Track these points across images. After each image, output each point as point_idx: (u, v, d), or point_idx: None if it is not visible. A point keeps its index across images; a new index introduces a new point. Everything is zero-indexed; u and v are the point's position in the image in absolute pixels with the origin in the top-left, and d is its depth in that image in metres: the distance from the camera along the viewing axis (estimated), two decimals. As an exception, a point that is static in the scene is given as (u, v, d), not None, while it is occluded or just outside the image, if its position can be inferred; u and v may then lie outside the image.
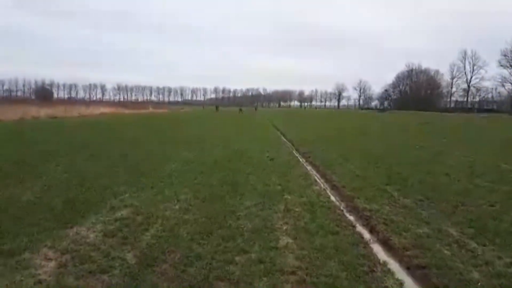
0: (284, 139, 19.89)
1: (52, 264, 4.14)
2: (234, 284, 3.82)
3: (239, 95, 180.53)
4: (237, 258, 4.39)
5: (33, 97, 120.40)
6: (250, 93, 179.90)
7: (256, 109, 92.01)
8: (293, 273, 4.07)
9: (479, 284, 3.84)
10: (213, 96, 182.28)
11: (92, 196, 6.81)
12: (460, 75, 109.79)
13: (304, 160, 12.46)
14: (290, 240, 5.00)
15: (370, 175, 9.47)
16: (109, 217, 5.66)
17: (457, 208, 6.46)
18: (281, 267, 4.19)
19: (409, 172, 9.79)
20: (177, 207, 6.28)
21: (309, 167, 11.10)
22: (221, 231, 5.17)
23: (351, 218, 6.21)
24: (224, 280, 3.87)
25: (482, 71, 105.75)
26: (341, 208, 6.76)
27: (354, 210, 6.61)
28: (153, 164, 10.47)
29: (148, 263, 4.18)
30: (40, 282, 3.73)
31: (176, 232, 5.10)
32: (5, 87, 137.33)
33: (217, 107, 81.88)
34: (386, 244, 5.02)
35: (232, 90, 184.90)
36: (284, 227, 5.51)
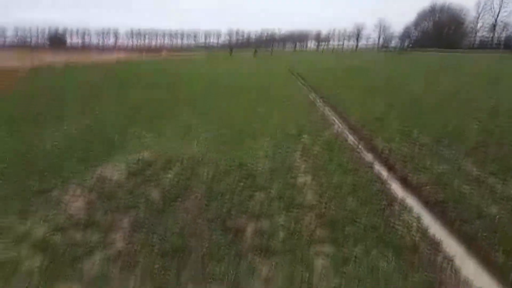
0: (301, 83, 19.55)
1: (80, 201, 4.35)
2: (255, 217, 3.96)
3: (253, 37, 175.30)
4: (257, 195, 4.51)
5: (47, 44, 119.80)
6: (265, 34, 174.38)
7: (271, 53, 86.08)
8: (312, 208, 4.18)
9: (497, 217, 3.87)
10: (227, 38, 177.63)
11: (115, 139, 6.96)
12: (487, 10, 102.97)
13: (321, 102, 12.31)
14: (309, 178, 5.07)
15: (390, 116, 9.32)
16: (132, 158, 5.81)
17: (478, 147, 6.37)
18: (300, 203, 4.30)
19: (429, 113, 9.60)
20: (196, 148, 6.38)
21: (326, 108, 10.98)
22: (240, 171, 5.27)
23: (370, 157, 6.21)
24: (245, 214, 4.01)
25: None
26: (360, 147, 6.75)
27: (372, 149, 6.60)
28: (171, 108, 10.51)
29: (172, 200, 4.33)
30: (70, 217, 3.95)
31: (197, 172, 5.22)
32: (19, 34, 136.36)
33: (231, 51, 79.82)
34: (404, 182, 5.05)
35: (246, 32, 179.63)
36: (303, 166, 5.58)
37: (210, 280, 2.95)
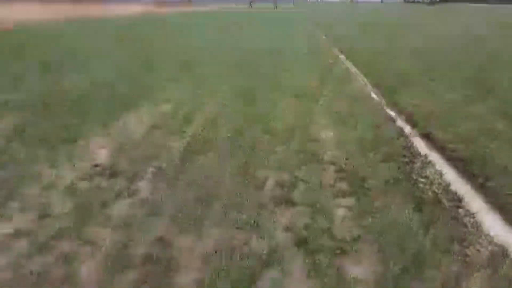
0: (323, 35, 18.98)
1: (105, 151, 4.46)
2: (274, 171, 3.99)
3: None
4: (276, 149, 4.52)
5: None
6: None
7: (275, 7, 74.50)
8: (332, 163, 4.18)
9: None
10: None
11: (137, 91, 7.01)
12: None
13: (344, 57, 11.98)
14: (330, 134, 5.04)
15: (414, 71, 9.03)
16: (153, 110, 5.87)
17: (508, 105, 6.14)
18: (320, 157, 4.30)
19: (456, 67, 9.24)
20: (217, 103, 6.36)
21: (349, 64, 10.70)
22: (259, 125, 5.26)
23: (392, 113, 6.09)
24: (265, 168, 4.04)
25: None
26: (383, 103, 6.62)
27: (395, 105, 6.45)
28: (192, 61, 10.43)
29: (193, 151, 4.39)
30: (96, 166, 4.07)
31: (217, 126, 5.24)
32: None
33: (250, 3, 76.81)
34: (428, 138, 4.96)
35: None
36: (323, 122, 5.53)
37: (233, 227, 3.03)
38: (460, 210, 3.29)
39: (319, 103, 6.42)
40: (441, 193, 3.53)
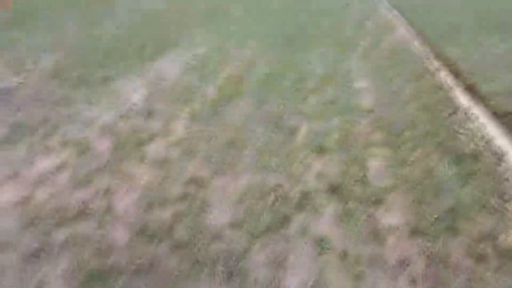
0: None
1: (140, 92, 4.50)
2: (308, 119, 3.92)
3: None
4: (310, 98, 4.42)
5: None
6: None
7: None
8: (368, 112, 4.05)
9: None
10: None
11: (168, 35, 6.92)
12: None
13: (386, 3, 11.29)
14: (366, 84, 4.85)
15: (464, 21, 8.41)
16: (187, 54, 5.80)
17: None
18: (355, 107, 4.17)
19: (507, 18, 8.54)
20: (249, 50, 6.21)
21: (394, 12, 10.09)
22: (293, 74, 5.12)
23: (436, 64, 5.77)
24: (298, 116, 3.98)
25: None
26: (425, 54, 6.26)
27: (440, 56, 6.09)
28: (224, 6, 10.12)
29: (226, 97, 4.36)
30: (133, 106, 4.12)
31: (251, 71, 5.15)
32: None
33: None
34: (471, 91, 4.69)
35: None
36: (361, 72, 5.31)
37: (265, 171, 3.05)
38: (502, 164, 3.16)
39: (358, 51, 6.15)
40: (482, 147, 3.39)
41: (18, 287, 2.08)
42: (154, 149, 3.34)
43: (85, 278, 2.13)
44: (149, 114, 3.92)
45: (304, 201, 2.72)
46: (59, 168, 3.07)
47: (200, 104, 4.18)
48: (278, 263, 2.25)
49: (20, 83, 4.65)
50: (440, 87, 4.70)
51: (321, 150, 3.34)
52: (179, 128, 3.68)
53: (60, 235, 2.43)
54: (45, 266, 2.21)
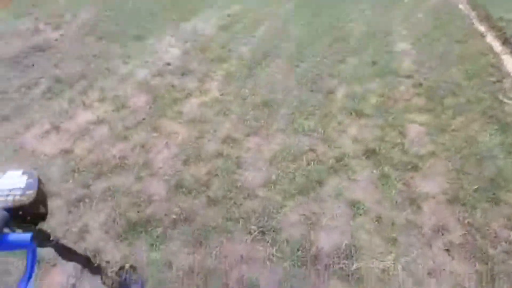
0: None
1: (175, 50, 4.47)
2: (346, 81, 3.81)
3: None
4: (348, 59, 4.27)
5: None
6: None
7: None
8: (408, 76, 3.88)
9: None
10: None
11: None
12: None
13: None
14: (408, 46, 4.62)
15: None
16: (221, 13, 5.67)
17: None
18: (395, 70, 4.01)
19: None
20: (286, 6, 6.00)
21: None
22: (333, 32, 4.93)
23: (482, 28, 5.40)
24: (336, 78, 3.87)
25: None
26: (472, 16, 5.86)
27: (486, 19, 5.69)
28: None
29: (261, 57, 4.27)
30: (168, 64, 4.12)
31: (286, 31, 5.00)
32: None
33: None
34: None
35: None
36: (403, 32, 5.04)
37: (300, 133, 3.02)
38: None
39: (401, 10, 5.83)
40: (529, 117, 3.21)
41: (64, 229, 2.20)
42: (190, 107, 3.35)
43: (124, 227, 2.23)
44: (184, 72, 3.91)
45: (339, 165, 2.70)
46: (98, 122, 3.15)
47: (235, 64, 4.13)
48: (311, 224, 2.26)
49: (60, 35, 4.71)
50: (486, 52, 4.43)
51: (358, 114, 3.26)
52: (214, 88, 3.67)
53: (100, 186, 2.52)
54: (87, 214, 2.32)
